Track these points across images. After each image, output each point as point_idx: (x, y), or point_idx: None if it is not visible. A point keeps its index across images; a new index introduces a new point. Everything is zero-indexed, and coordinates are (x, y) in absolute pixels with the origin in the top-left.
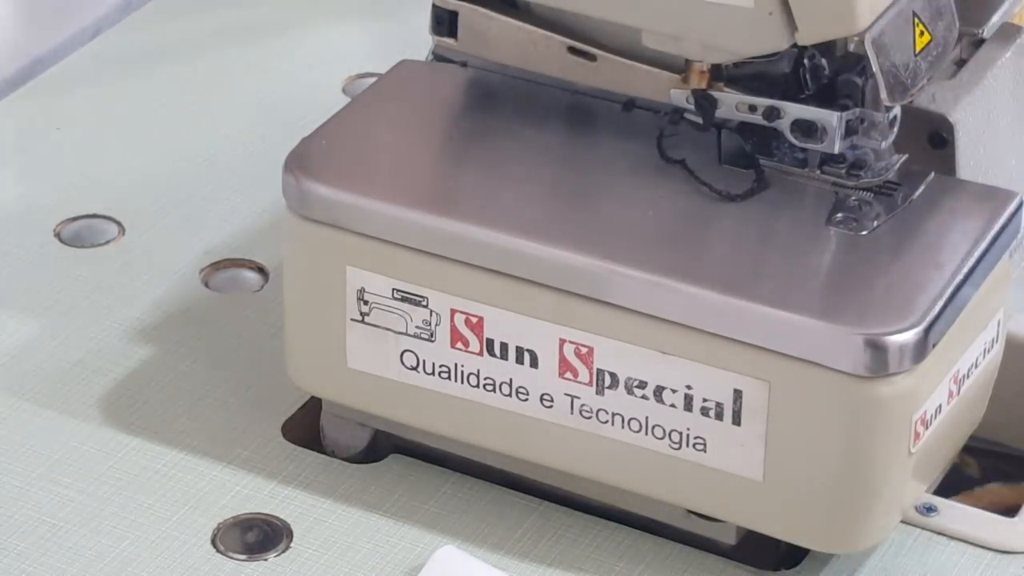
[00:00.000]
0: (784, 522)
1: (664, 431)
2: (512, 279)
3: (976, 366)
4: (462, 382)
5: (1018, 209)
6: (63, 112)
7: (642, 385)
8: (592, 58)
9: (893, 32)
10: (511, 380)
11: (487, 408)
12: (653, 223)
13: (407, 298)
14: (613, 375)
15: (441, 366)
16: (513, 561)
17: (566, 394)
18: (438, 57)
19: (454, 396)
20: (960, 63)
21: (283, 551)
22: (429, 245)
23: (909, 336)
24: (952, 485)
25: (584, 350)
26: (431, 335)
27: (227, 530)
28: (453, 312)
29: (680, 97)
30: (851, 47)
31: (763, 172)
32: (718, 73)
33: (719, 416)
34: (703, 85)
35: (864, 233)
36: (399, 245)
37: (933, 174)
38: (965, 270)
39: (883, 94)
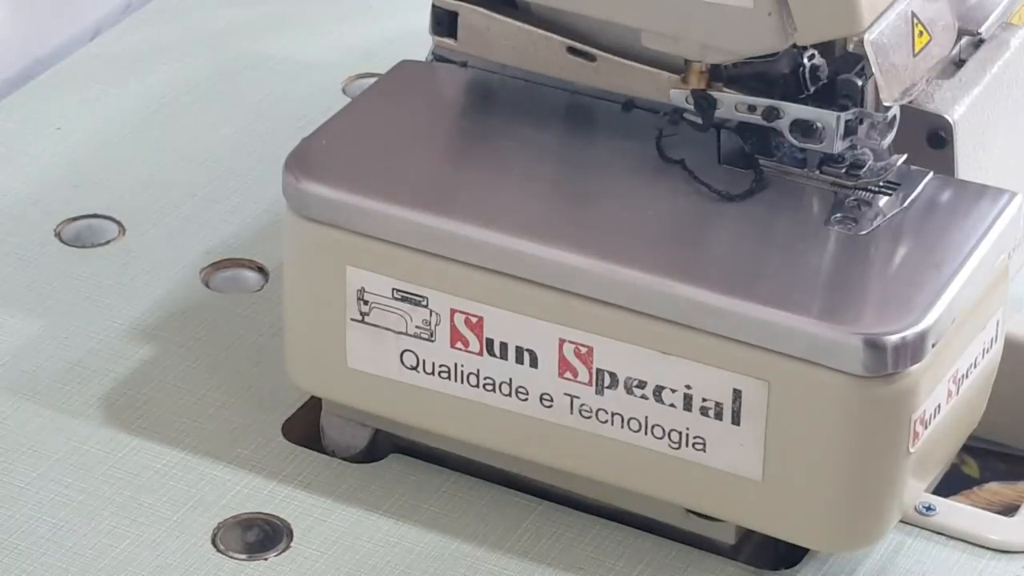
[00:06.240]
0: (783, 522)
1: (664, 431)
2: (512, 279)
3: (975, 366)
4: (462, 382)
5: (1017, 209)
6: (63, 112)
7: (642, 385)
8: (592, 58)
9: (892, 32)
10: (511, 380)
11: (487, 408)
12: (653, 223)
13: (407, 298)
14: (613, 375)
15: (441, 366)
16: (513, 560)
17: (566, 394)
18: (438, 57)
19: (454, 396)
20: (959, 63)
21: (283, 551)
22: (429, 245)
23: (908, 336)
24: (951, 484)
25: (584, 350)
26: (431, 335)
27: (227, 530)
28: (453, 312)
29: (679, 97)
30: (850, 47)
31: (762, 172)
32: (717, 73)
33: (718, 416)
34: (702, 85)
35: (863, 233)
36: (399, 245)
37: (932, 174)
38: (964, 270)
39: (882, 94)
